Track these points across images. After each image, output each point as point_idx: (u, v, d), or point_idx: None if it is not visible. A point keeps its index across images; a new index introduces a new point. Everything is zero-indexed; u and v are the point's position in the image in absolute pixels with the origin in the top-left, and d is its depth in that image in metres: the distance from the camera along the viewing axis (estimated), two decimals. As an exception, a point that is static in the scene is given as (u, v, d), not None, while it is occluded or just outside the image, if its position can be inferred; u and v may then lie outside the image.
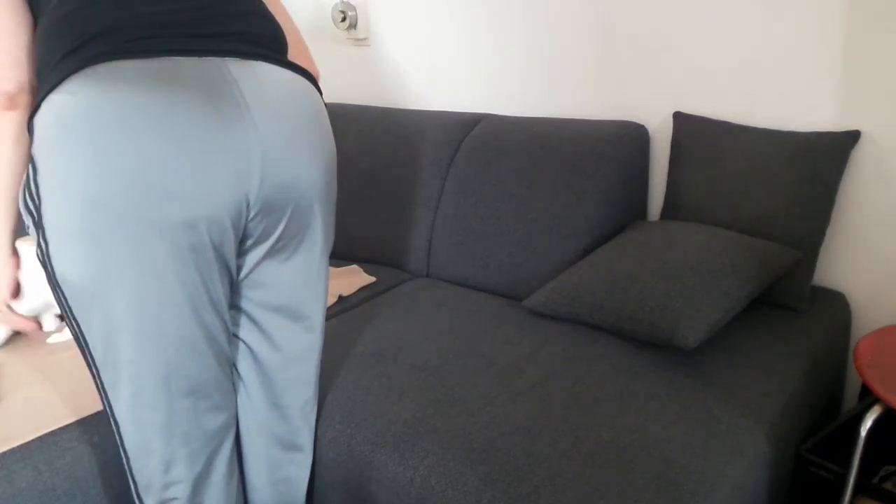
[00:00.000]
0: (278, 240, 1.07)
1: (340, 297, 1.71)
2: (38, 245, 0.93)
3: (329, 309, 1.65)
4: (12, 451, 1.14)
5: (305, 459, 1.25)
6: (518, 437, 1.11)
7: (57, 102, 0.88)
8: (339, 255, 1.98)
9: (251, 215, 1.01)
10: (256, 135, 0.96)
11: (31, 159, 0.91)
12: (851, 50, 1.44)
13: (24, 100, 0.95)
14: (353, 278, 1.79)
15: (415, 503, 1.11)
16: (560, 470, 1.04)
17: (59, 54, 0.90)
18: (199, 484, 1.07)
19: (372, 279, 1.80)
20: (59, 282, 0.94)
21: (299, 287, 1.13)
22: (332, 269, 1.85)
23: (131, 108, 0.88)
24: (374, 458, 1.17)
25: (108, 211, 0.89)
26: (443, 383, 1.27)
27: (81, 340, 0.98)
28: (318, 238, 1.12)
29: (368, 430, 1.21)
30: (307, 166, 1.03)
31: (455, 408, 1.20)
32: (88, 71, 0.89)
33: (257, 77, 0.98)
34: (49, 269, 0.93)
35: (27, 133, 0.94)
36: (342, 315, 1.60)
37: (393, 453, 1.16)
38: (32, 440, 1.17)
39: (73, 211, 0.89)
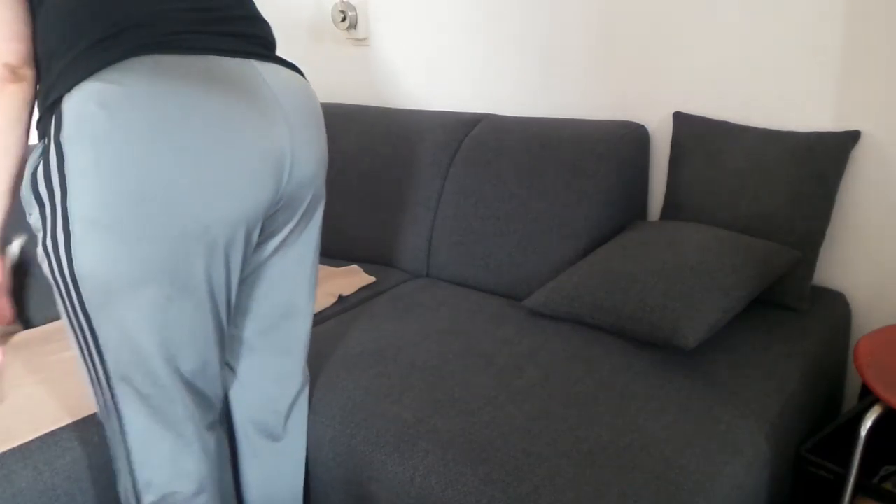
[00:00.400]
0: (289, 234, 1.09)
1: (340, 297, 1.71)
2: (50, 236, 0.88)
3: (329, 309, 1.65)
4: (12, 451, 1.14)
5: (298, 452, 1.25)
6: (518, 437, 1.11)
7: (99, 91, 0.84)
8: (339, 255, 1.98)
9: (274, 210, 1.02)
10: (289, 133, 0.98)
11: (55, 146, 0.86)
12: (851, 50, 1.44)
13: (28, 73, 0.90)
14: (353, 278, 1.79)
15: (415, 503, 1.11)
16: (560, 470, 1.04)
17: (85, 41, 0.86)
18: (203, 481, 1.07)
19: (372, 279, 1.80)
20: (77, 276, 0.89)
21: (296, 280, 1.15)
22: (333, 270, 1.85)
23: (184, 105, 0.87)
24: (374, 458, 1.17)
25: (152, 208, 0.86)
26: (443, 383, 1.27)
27: (89, 335, 0.94)
28: (315, 230, 1.14)
29: (368, 430, 1.21)
30: (318, 162, 1.06)
31: (455, 408, 1.20)
32: (133, 62, 0.86)
33: (278, 77, 1.00)
34: (64, 262, 0.88)
35: (28, 113, 0.91)
36: (342, 315, 1.60)
37: (393, 453, 1.16)
38: (32, 440, 1.17)
39: (111, 205, 0.85)
